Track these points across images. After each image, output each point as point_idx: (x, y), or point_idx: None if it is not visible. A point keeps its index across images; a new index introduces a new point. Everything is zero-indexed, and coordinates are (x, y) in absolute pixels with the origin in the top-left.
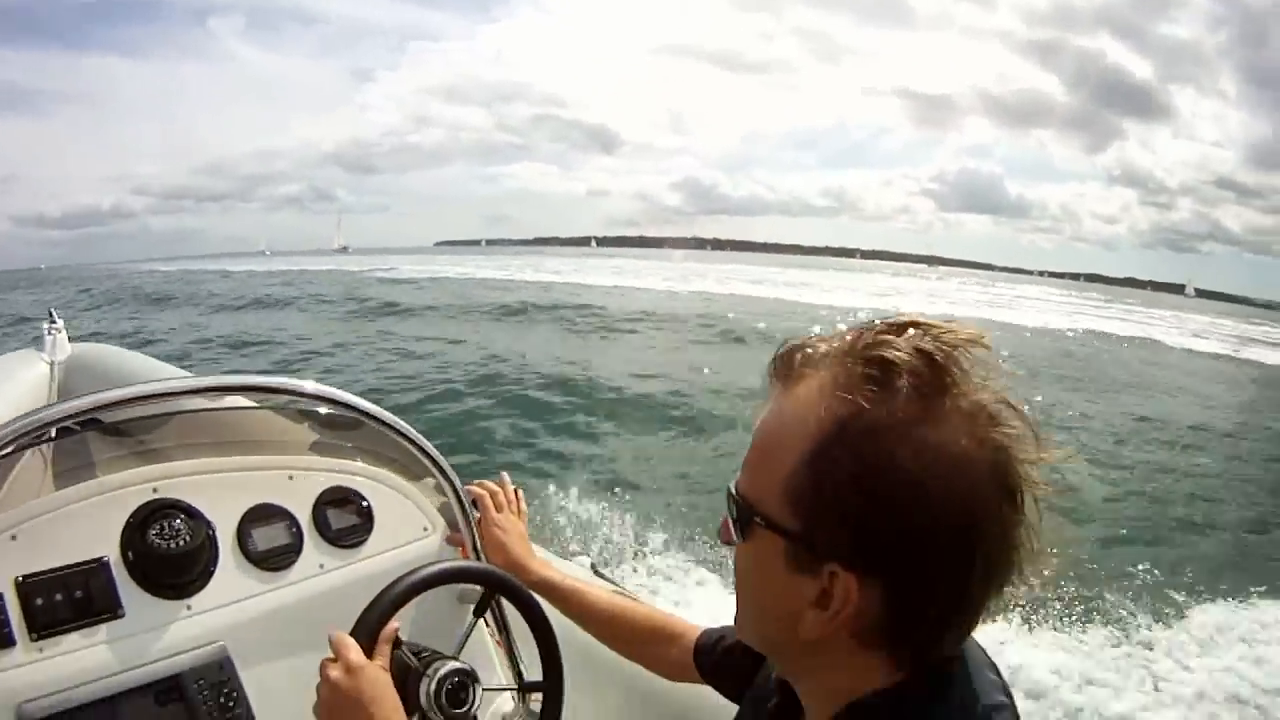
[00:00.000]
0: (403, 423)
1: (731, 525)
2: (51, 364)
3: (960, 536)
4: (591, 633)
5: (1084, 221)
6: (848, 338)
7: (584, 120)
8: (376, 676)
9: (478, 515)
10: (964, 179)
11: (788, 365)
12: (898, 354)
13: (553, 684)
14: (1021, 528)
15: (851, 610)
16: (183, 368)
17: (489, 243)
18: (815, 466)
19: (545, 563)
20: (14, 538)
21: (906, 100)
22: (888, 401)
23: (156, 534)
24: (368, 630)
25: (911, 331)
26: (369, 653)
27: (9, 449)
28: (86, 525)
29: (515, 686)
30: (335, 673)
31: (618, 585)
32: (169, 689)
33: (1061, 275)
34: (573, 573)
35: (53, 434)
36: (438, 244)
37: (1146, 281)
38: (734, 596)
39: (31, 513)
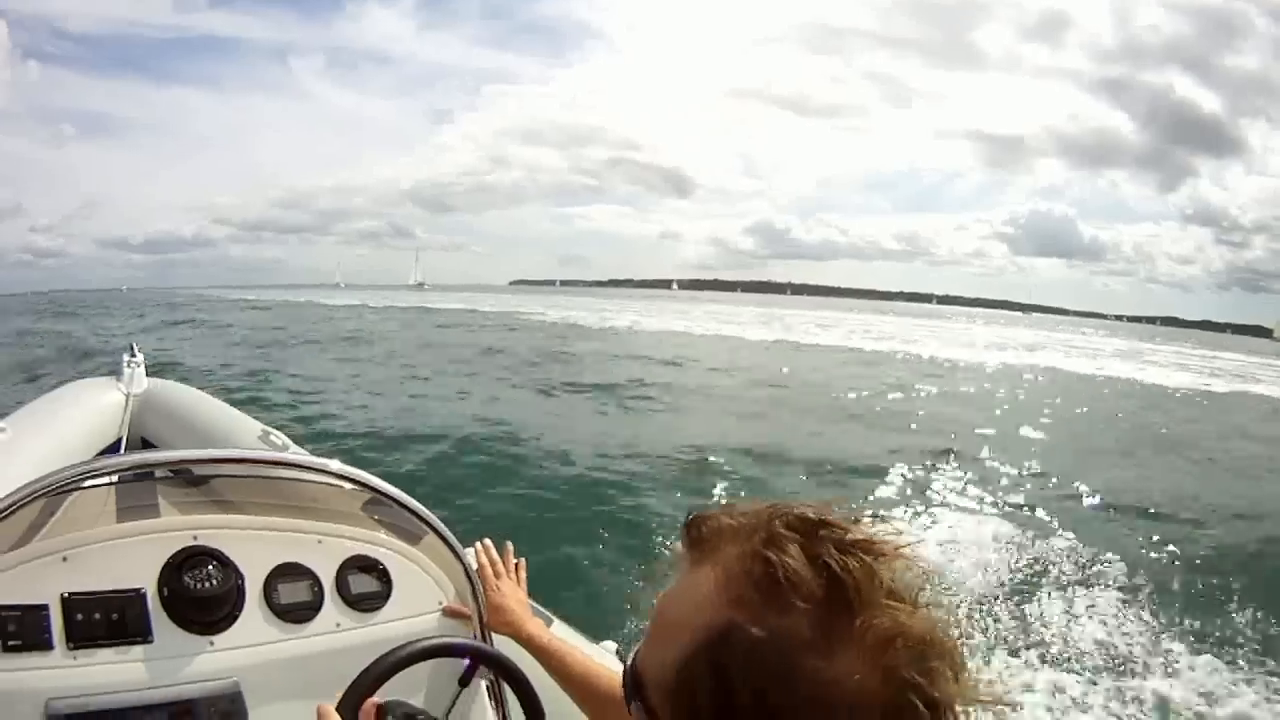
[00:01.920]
0: (417, 504)
1: (624, 695)
2: (127, 396)
3: None
4: (567, 692)
5: (1158, 262)
6: (750, 527)
7: (658, 163)
8: None
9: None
10: (1036, 221)
11: (694, 541)
12: (793, 567)
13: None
14: None
15: None
16: (248, 409)
17: (563, 283)
18: (689, 665)
19: (541, 625)
20: (65, 559)
21: (978, 142)
22: (777, 614)
23: (190, 576)
24: (351, 705)
25: (821, 535)
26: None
27: (79, 485)
28: (130, 559)
29: None
30: None
31: None
32: (182, 712)
33: (1137, 319)
34: (592, 651)
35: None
36: (512, 283)
37: (1225, 324)
38: None
39: (85, 540)
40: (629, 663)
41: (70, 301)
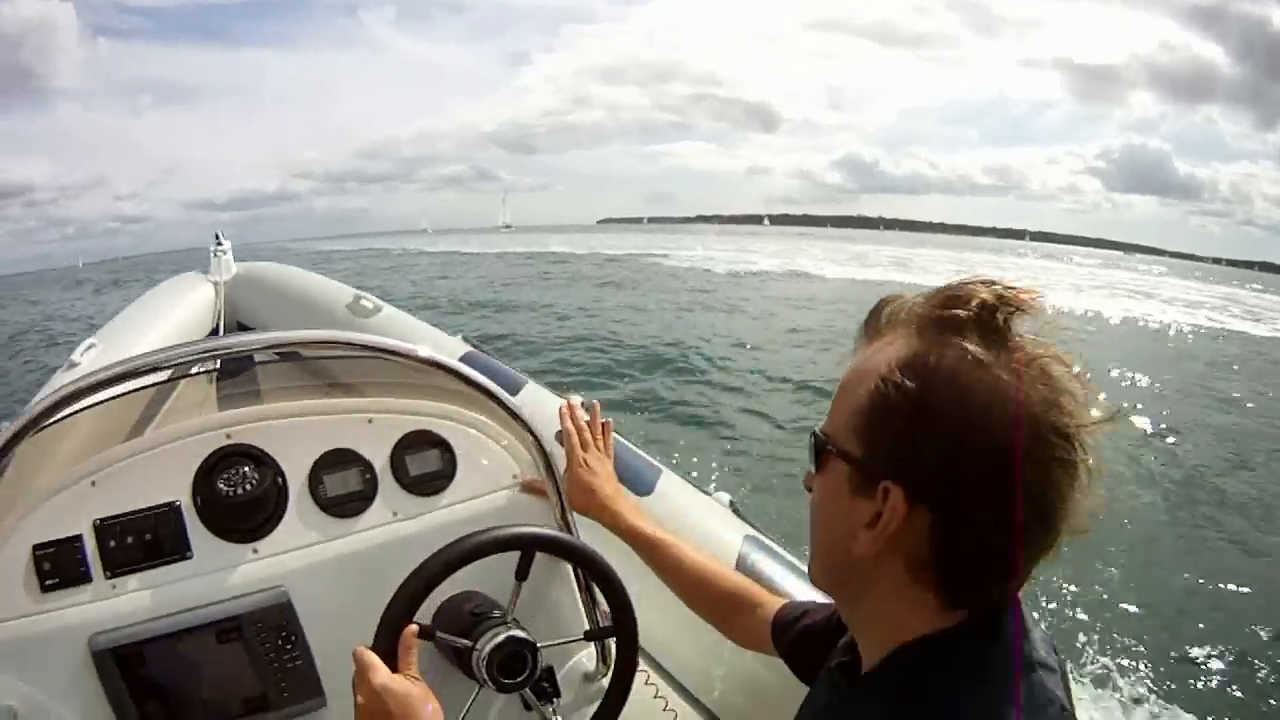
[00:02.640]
0: (476, 374)
1: (811, 462)
2: (217, 284)
3: (1000, 466)
4: (674, 590)
5: (1255, 204)
6: (922, 298)
7: (742, 98)
8: (404, 692)
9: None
10: (1130, 156)
11: (875, 322)
12: (963, 307)
13: (622, 629)
14: (1062, 470)
15: (898, 526)
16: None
17: (651, 220)
18: (875, 397)
19: (635, 509)
20: (93, 484)
21: (1068, 73)
22: (948, 346)
23: (224, 480)
24: (387, 639)
25: (981, 288)
26: (392, 662)
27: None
28: (160, 471)
29: (580, 636)
30: (361, 698)
31: (756, 528)
32: (229, 629)
33: (1235, 263)
34: (708, 509)
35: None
36: (600, 221)
37: None
38: None
39: (110, 459)
40: (815, 431)
41: (156, 264)
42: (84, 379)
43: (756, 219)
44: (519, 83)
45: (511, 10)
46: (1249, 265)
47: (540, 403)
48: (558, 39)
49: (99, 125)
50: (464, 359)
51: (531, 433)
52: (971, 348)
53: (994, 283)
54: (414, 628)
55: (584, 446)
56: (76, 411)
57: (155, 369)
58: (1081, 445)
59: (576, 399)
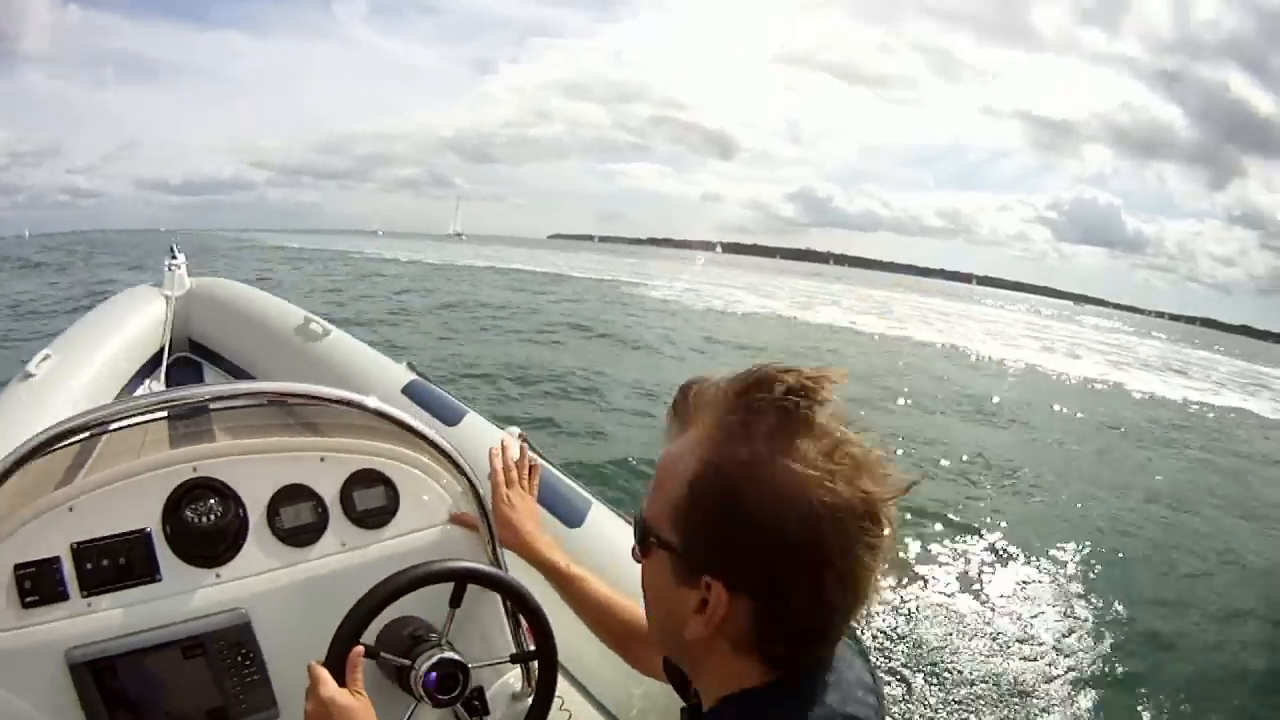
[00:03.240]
0: (418, 423)
1: (636, 543)
2: (169, 298)
3: (810, 558)
4: (583, 619)
5: (1200, 261)
6: (726, 385)
7: (702, 124)
8: (347, 705)
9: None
10: (1081, 209)
11: (683, 407)
12: (765, 401)
13: (543, 654)
14: (868, 549)
15: (723, 616)
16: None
17: (601, 239)
18: (690, 497)
19: (551, 544)
20: (71, 509)
21: (1027, 123)
22: (752, 442)
23: (191, 510)
24: (336, 657)
25: (778, 378)
26: (340, 678)
27: (87, 434)
28: (133, 500)
29: (506, 659)
30: (310, 706)
31: None
32: (194, 646)
33: (1177, 317)
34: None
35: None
36: (551, 236)
37: (1263, 331)
38: None
39: (86, 488)
40: (638, 514)
41: (108, 242)
42: (72, 422)
43: (709, 245)
44: (483, 89)
45: (483, 17)
46: (1191, 320)
47: (480, 433)
48: (525, 50)
49: (60, 94)
50: (409, 386)
51: (465, 474)
52: (775, 443)
53: (795, 370)
54: (360, 648)
55: (508, 485)
56: (58, 449)
57: (127, 416)
58: (886, 518)
59: (514, 431)
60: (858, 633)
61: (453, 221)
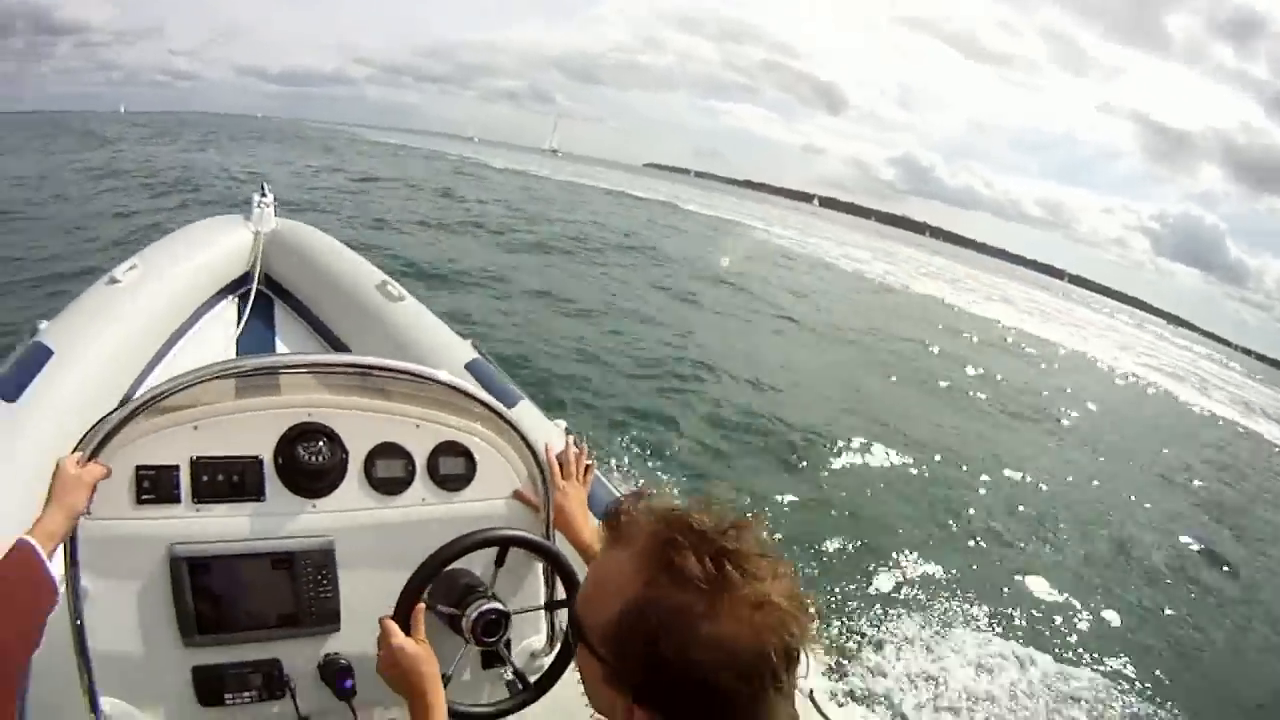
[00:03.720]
0: (499, 404)
1: (574, 642)
2: (256, 234)
3: (722, 701)
4: None
5: None
6: (653, 524)
7: (814, 75)
8: (414, 653)
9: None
10: (1185, 225)
11: (614, 526)
12: (686, 559)
13: (571, 594)
14: (780, 694)
15: None
16: (369, 255)
17: (697, 174)
18: (622, 627)
19: (595, 532)
20: (195, 428)
21: (1142, 127)
22: (679, 593)
23: (303, 448)
24: (404, 610)
25: (702, 533)
26: (406, 628)
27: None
28: (252, 429)
29: (540, 605)
30: (383, 653)
31: None
32: (282, 560)
33: (1263, 357)
34: None
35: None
36: (646, 165)
37: None
38: None
39: (213, 412)
40: (573, 608)
41: (204, 124)
42: (196, 374)
43: (807, 197)
44: (595, 11)
45: None
46: (1276, 363)
47: (529, 421)
48: None
49: None
50: (471, 364)
51: (537, 460)
52: (700, 598)
53: (717, 521)
54: (422, 605)
55: (565, 476)
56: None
57: (261, 371)
58: (804, 655)
59: (560, 425)
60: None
61: (550, 137)
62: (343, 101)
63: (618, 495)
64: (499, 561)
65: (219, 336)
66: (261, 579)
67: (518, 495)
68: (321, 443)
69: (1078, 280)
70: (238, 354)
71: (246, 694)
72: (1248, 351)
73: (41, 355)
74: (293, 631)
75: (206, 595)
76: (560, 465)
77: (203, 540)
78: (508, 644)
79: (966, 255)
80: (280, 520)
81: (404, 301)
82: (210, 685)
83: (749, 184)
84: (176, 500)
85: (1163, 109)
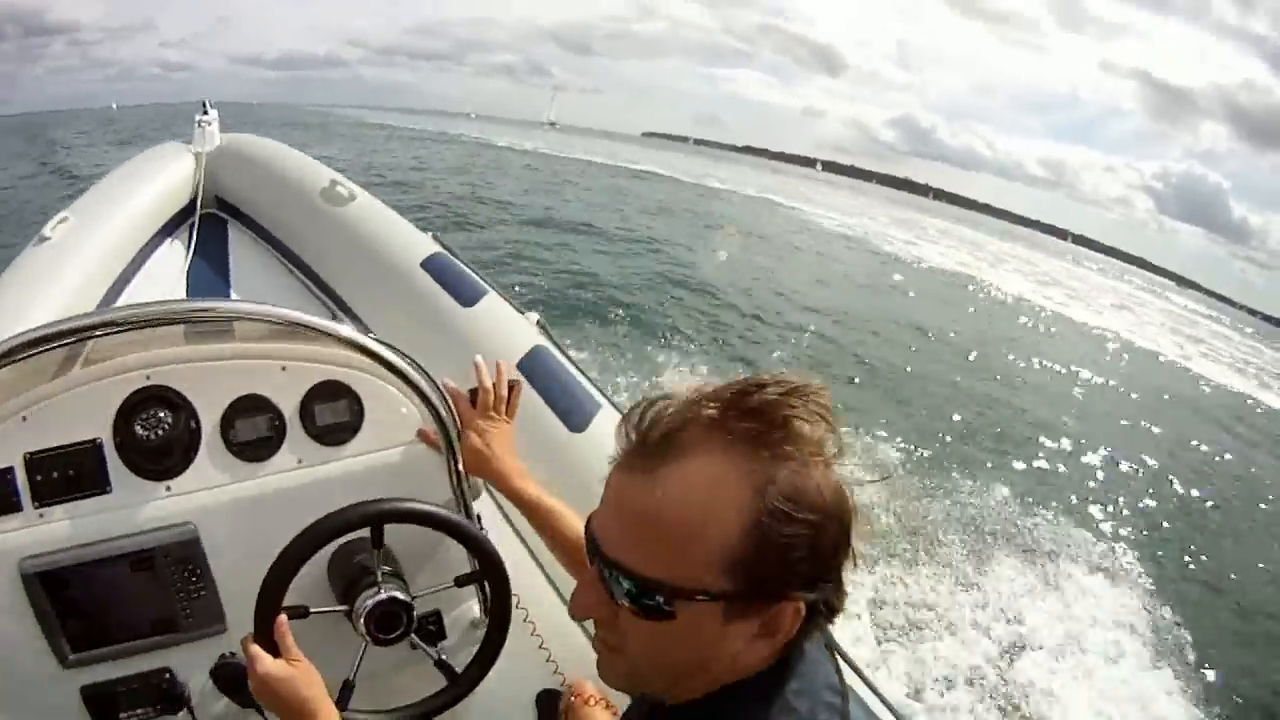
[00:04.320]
0: (378, 346)
1: (643, 612)
2: (199, 155)
3: (843, 542)
4: (554, 554)
5: None
6: (715, 406)
7: (810, 37)
8: (284, 676)
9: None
10: (1188, 184)
11: (656, 446)
12: (770, 420)
13: (490, 575)
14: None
15: (791, 623)
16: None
17: (697, 142)
18: (756, 533)
19: (523, 471)
20: (24, 419)
21: (1145, 85)
22: (783, 461)
23: (141, 423)
24: (262, 631)
25: (770, 382)
26: (274, 650)
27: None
28: (85, 408)
29: (450, 583)
30: (253, 685)
31: None
32: (143, 559)
33: (1270, 318)
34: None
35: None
36: (645, 134)
37: None
38: None
39: (39, 396)
40: (644, 581)
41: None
42: (49, 328)
43: (809, 161)
44: None
45: None
46: None
47: (496, 316)
48: None
49: None
50: (430, 260)
51: (430, 404)
52: (798, 456)
53: (782, 383)
54: (283, 618)
55: (480, 412)
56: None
57: (111, 325)
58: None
59: (532, 317)
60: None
61: (547, 110)
62: (338, 84)
63: (591, 396)
64: (376, 544)
65: (169, 274)
66: (125, 584)
67: (423, 435)
68: (162, 412)
69: (1081, 240)
70: (188, 290)
71: (141, 711)
72: (1251, 311)
73: None
74: (175, 637)
75: (73, 609)
76: (474, 396)
77: (52, 549)
78: (428, 626)
79: (976, 218)
80: (131, 513)
81: (356, 200)
82: (103, 706)
83: (749, 149)
84: (17, 508)
85: (1165, 67)
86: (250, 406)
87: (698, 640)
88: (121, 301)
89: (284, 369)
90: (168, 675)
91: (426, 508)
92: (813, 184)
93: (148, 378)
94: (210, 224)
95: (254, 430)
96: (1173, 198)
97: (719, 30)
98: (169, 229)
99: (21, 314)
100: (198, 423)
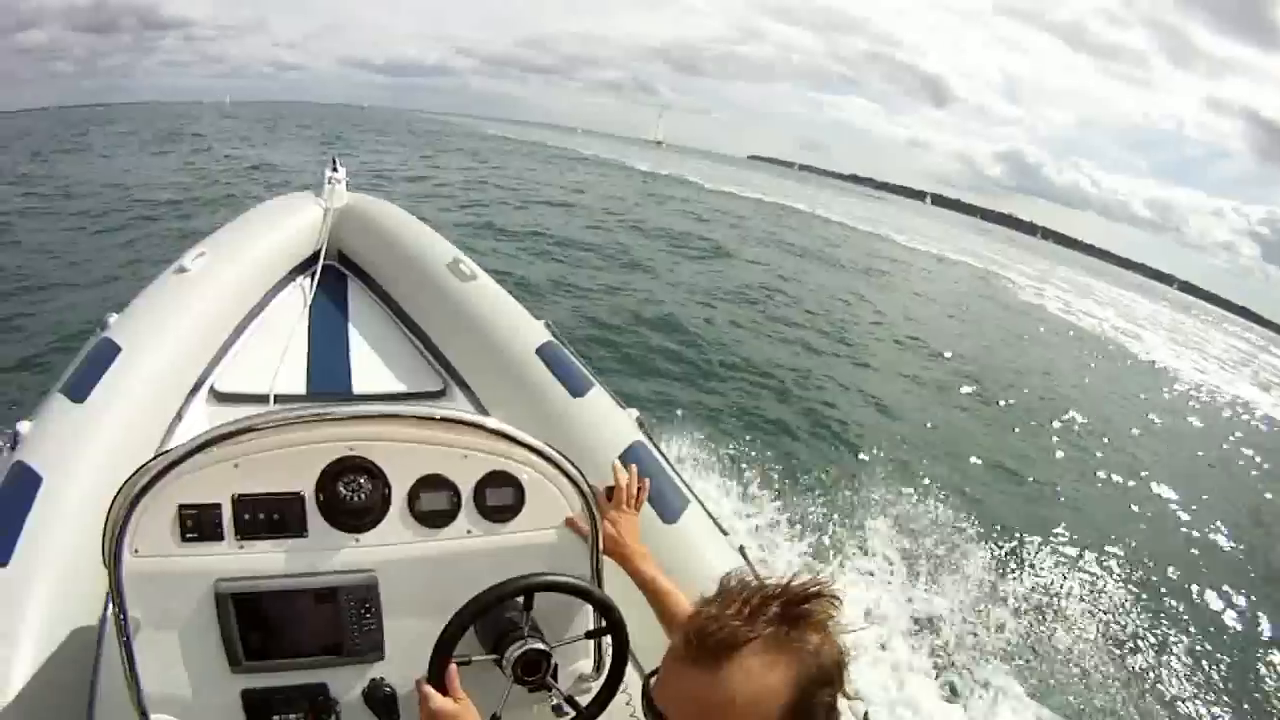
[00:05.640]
0: (547, 447)
1: None
2: (326, 210)
3: (840, 687)
4: (665, 631)
5: None
6: (763, 610)
7: (918, 66)
8: (451, 712)
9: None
10: None
11: (715, 650)
12: (804, 616)
13: (612, 630)
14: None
15: None
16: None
17: (801, 167)
18: (797, 705)
19: (646, 555)
20: (236, 465)
21: (1253, 125)
22: (809, 654)
23: (344, 484)
24: (436, 672)
25: (804, 595)
26: (441, 687)
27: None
28: (293, 465)
29: (580, 636)
30: (422, 716)
31: (753, 568)
32: (327, 595)
33: None
34: (719, 550)
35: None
36: (750, 157)
37: None
38: None
39: (255, 449)
40: None
41: (303, 114)
42: (239, 424)
43: (918, 194)
44: (685, 3)
45: None
46: None
47: (601, 409)
48: None
49: None
50: (543, 348)
51: (581, 490)
52: (818, 644)
53: (809, 584)
54: (453, 666)
55: (615, 505)
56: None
57: (286, 426)
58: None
59: (633, 414)
60: None
61: (655, 129)
62: (446, 93)
63: (682, 494)
64: (527, 606)
65: (290, 318)
66: (307, 612)
67: (570, 523)
68: (363, 478)
69: (1187, 287)
70: (309, 335)
71: (293, 715)
72: None
73: (109, 352)
74: (338, 660)
75: (253, 626)
76: (610, 492)
77: (246, 576)
78: (555, 673)
79: (1090, 263)
80: (323, 556)
81: (477, 280)
82: (258, 707)
83: (854, 178)
84: (220, 538)
85: (1273, 106)
86: (434, 483)
87: None
88: (246, 336)
89: (465, 456)
90: (324, 689)
91: (574, 580)
92: (940, 222)
93: (350, 449)
94: (331, 276)
95: (435, 503)
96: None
97: (825, 55)
98: (293, 275)
99: (159, 337)
100: (389, 491)
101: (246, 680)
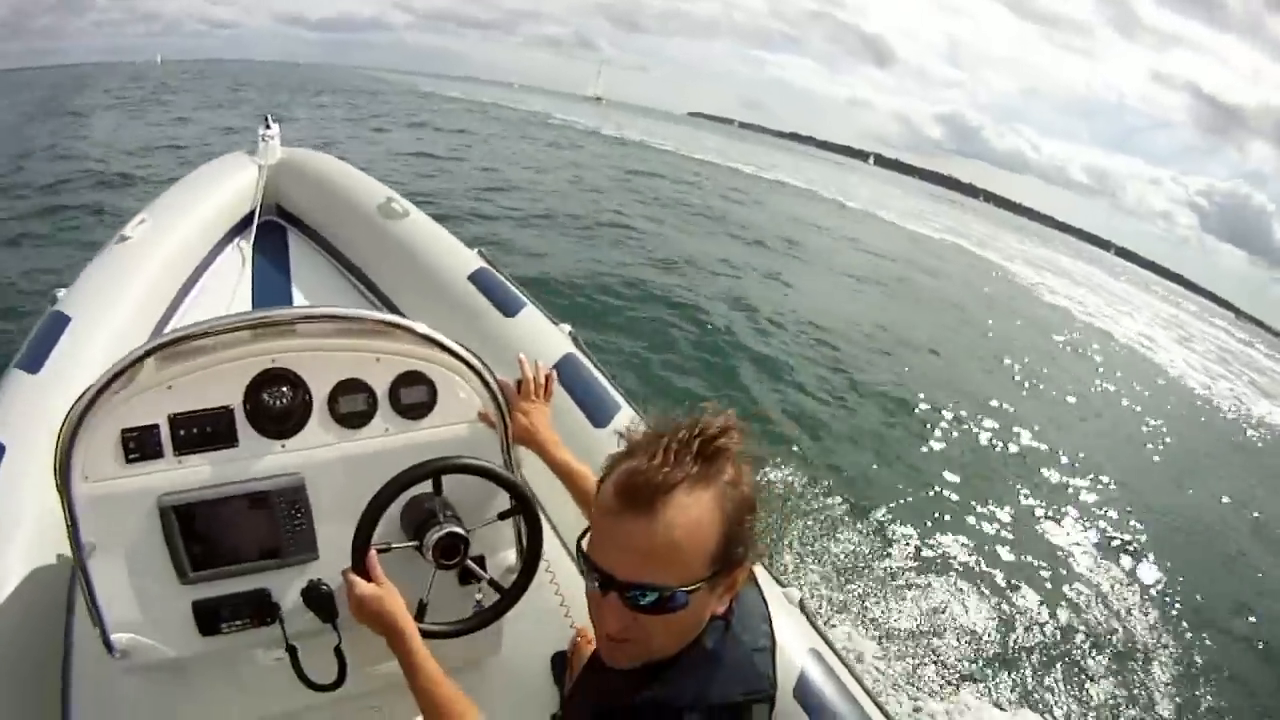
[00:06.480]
0: (456, 345)
1: (661, 607)
2: (261, 167)
3: (757, 515)
4: (582, 511)
5: None
6: (684, 457)
7: (861, 27)
8: (374, 595)
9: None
10: (1233, 203)
11: (649, 497)
12: (720, 449)
13: (523, 510)
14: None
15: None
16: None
17: (742, 124)
18: (725, 534)
19: (557, 442)
20: (170, 388)
21: (1195, 99)
22: (731, 482)
23: (268, 394)
24: (357, 560)
25: (724, 429)
26: (365, 573)
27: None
28: (221, 382)
29: (494, 518)
30: (350, 602)
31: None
32: (259, 499)
33: None
34: (778, 603)
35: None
36: (690, 114)
37: None
38: None
39: (183, 371)
40: (658, 591)
41: (235, 73)
42: (176, 334)
43: (861, 155)
44: None
45: None
46: None
47: (534, 327)
48: None
49: None
50: (476, 274)
51: (487, 383)
52: (738, 472)
53: (722, 417)
54: (373, 551)
55: (524, 396)
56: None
57: (220, 331)
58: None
59: (565, 329)
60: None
61: (593, 85)
62: (381, 48)
63: (614, 398)
64: (436, 490)
65: (233, 275)
66: (242, 518)
67: (482, 417)
68: (285, 387)
69: (1123, 253)
70: (253, 289)
71: (239, 622)
72: None
73: (60, 324)
74: (276, 563)
75: (196, 538)
76: (519, 385)
77: (186, 489)
78: (481, 561)
79: (1021, 223)
80: (253, 463)
81: (409, 216)
82: (208, 617)
83: (795, 136)
84: (160, 455)
85: (1217, 82)
86: (351, 387)
87: (699, 612)
88: (191, 298)
89: (378, 360)
90: (266, 594)
91: (478, 462)
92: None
93: (272, 361)
94: (271, 230)
95: (353, 405)
96: (1216, 216)
97: (769, 14)
98: (234, 233)
99: (107, 306)
100: (310, 397)
101: (194, 592)
